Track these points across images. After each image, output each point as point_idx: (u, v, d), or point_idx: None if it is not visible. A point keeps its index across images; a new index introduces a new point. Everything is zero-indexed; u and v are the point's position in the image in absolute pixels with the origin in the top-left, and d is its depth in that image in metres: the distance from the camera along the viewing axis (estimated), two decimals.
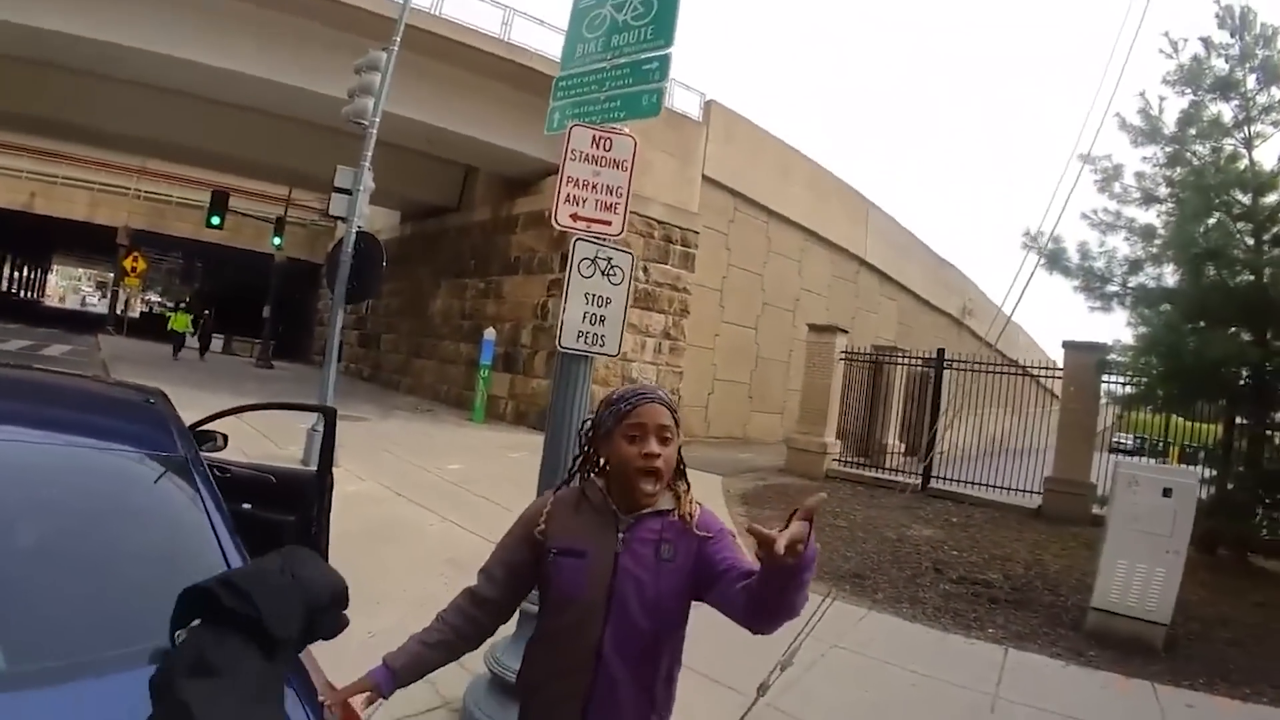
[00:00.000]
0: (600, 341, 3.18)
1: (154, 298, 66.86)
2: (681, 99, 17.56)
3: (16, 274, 59.61)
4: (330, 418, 3.25)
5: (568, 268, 3.10)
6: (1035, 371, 12.84)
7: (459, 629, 1.74)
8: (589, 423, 1.78)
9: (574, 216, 3.16)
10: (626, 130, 3.23)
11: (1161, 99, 9.21)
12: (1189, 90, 9.12)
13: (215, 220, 21.02)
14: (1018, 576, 7.24)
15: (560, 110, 3.59)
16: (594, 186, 3.18)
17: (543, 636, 1.74)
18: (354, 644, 4.18)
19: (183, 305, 24.61)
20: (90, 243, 37.14)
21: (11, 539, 1.59)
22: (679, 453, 1.72)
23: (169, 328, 24.88)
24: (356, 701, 1.59)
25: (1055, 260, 9.55)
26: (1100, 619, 5.69)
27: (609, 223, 3.16)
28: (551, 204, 3.27)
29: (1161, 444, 12.51)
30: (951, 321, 26.51)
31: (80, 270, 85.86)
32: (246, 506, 2.93)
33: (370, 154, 9.42)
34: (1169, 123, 9.21)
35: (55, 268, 76.02)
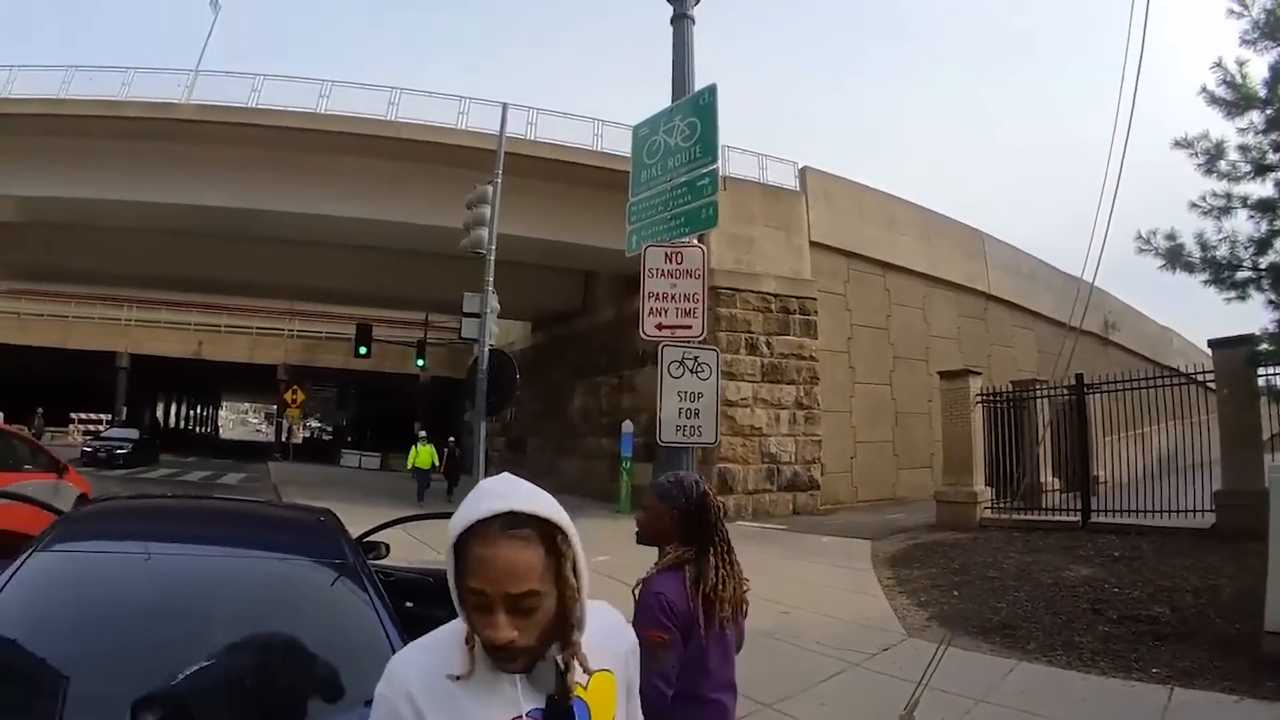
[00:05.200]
0: (697, 432, 3.51)
1: (314, 423, 73.97)
2: (776, 172, 18.05)
3: (191, 412, 68.63)
4: None
5: (659, 372, 3.49)
6: (1185, 378, 11.62)
7: None
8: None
9: (659, 326, 3.58)
10: (695, 241, 3.65)
11: (1241, 63, 8.53)
12: (1271, 44, 8.46)
13: (363, 350, 22.94)
14: (1186, 607, 6.74)
15: (637, 233, 4.06)
16: (673, 297, 3.59)
17: None
18: None
19: (423, 435, 20.82)
20: (253, 379, 41.87)
21: (218, 634, 2.07)
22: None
23: (410, 464, 20.43)
24: None
25: (1174, 258, 8.79)
26: (1277, 644, 5.19)
27: (690, 326, 3.56)
28: None
29: None
30: (1096, 340, 24.96)
31: (246, 404, 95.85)
32: (409, 605, 3.35)
33: (491, 278, 10.33)
34: (1258, 85, 8.54)
35: (224, 404, 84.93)
